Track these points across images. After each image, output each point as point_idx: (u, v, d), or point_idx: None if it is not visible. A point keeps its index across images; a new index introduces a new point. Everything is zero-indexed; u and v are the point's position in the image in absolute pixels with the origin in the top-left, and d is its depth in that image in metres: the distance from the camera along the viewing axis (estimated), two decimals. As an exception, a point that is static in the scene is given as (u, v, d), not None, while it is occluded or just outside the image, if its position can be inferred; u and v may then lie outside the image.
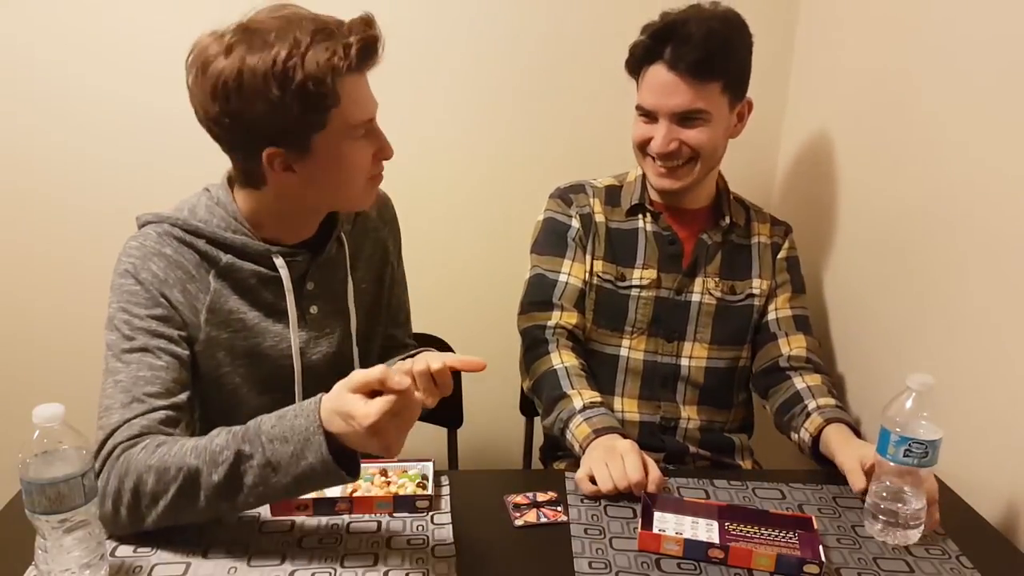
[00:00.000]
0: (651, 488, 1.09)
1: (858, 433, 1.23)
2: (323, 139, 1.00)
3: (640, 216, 1.38)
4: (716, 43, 1.22)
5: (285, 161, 1.02)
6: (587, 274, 1.37)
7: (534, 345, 1.36)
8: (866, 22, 1.51)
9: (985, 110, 1.16)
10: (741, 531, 1.03)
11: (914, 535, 1.02)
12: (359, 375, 0.84)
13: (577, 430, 1.21)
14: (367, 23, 0.99)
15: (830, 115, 1.64)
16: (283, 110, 0.95)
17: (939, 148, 1.27)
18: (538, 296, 1.38)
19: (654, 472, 1.11)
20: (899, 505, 1.02)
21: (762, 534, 1.02)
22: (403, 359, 1.11)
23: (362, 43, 0.97)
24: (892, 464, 1.01)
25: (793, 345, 1.37)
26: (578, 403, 1.24)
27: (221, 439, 0.90)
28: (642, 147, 1.32)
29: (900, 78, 1.38)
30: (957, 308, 1.22)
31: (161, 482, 0.90)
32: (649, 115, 1.28)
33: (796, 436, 1.29)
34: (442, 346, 1.54)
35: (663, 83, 1.24)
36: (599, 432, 1.17)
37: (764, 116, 1.80)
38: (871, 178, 1.47)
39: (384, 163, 1.10)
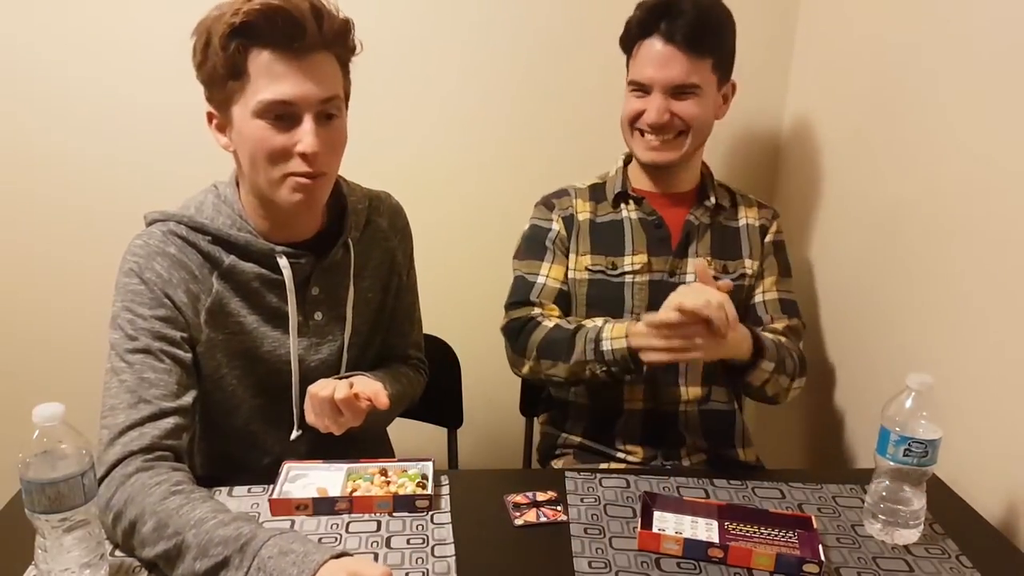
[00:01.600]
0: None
1: (760, 345, 1.23)
2: (238, 112, 1.00)
3: (623, 206, 1.41)
4: (710, 19, 1.28)
5: (218, 122, 1.04)
6: (571, 271, 1.40)
7: (519, 328, 1.35)
8: (867, 13, 1.51)
9: (987, 103, 1.16)
10: (741, 530, 1.03)
11: (914, 535, 1.02)
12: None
13: (613, 332, 1.23)
14: None
15: (830, 111, 1.64)
16: (204, 65, 0.98)
17: (941, 142, 1.27)
18: (517, 296, 1.40)
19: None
20: (899, 505, 1.02)
21: (762, 533, 1.02)
22: (337, 378, 1.09)
23: (260, 8, 0.93)
24: (892, 464, 1.01)
25: (777, 325, 1.39)
26: (598, 322, 1.27)
27: (226, 531, 0.86)
28: (633, 121, 1.34)
29: (902, 70, 1.38)
30: (957, 306, 1.22)
31: (155, 533, 0.89)
32: (643, 88, 1.31)
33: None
34: (442, 346, 1.55)
35: (659, 55, 1.28)
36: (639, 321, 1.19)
37: (765, 108, 1.81)
38: (872, 172, 1.47)
39: (310, 163, 1.01)
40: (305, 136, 0.99)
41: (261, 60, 0.96)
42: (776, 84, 1.80)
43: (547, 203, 1.44)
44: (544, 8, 1.73)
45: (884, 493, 1.03)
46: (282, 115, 0.99)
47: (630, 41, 1.33)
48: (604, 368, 1.23)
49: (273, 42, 0.96)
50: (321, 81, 0.99)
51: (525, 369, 1.34)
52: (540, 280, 1.40)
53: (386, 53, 1.64)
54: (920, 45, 1.33)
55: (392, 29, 1.70)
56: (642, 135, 1.34)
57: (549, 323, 1.32)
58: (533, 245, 1.43)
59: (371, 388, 1.04)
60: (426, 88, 1.76)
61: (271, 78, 0.97)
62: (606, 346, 1.22)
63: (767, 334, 1.32)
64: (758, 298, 1.42)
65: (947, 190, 1.25)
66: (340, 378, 1.09)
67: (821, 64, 1.68)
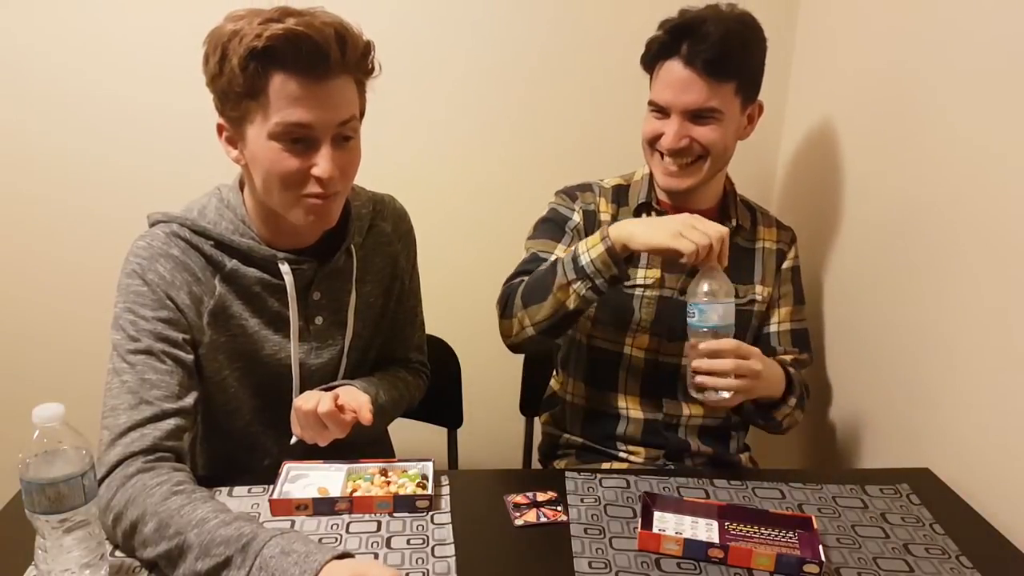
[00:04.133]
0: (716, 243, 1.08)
1: (790, 379, 1.29)
2: (253, 131, 0.99)
3: (645, 215, 1.39)
4: (733, 43, 1.22)
5: (229, 136, 1.03)
6: None
7: (507, 293, 1.29)
8: (866, 19, 1.51)
9: (987, 106, 1.16)
10: (741, 531, 1.03)
11: (725, 394, 1.12)
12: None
13: (590, 243, 1.15)
14: (309, 23, 0.93)
15: (830, 114, 1.63)
16: (219, 79, 0.96)
17: (941, 146, 1.27)
18: (526, 267, 1.32)
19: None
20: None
21: (762, 534, 1.02)
22: (324, 389, 1.09)
23: (284, 33, 0.92)
24: (690, 331, 1.12)
25: (786, 357, 1.39)
26: (572, 249, 1.18)
27: (228, 531, 0.86)
28: (652, 143, 1.31)
29: (901, 75, 1.38)
30: (957, 307, 1.22)
31: (156, 533, 0.89)
32: (661, 111, 1.28)
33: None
34: (443, 346, 1.55)
35: (678, 79, 1.24)
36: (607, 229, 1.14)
37: (765, 115, 1.81)
38: (872, 177, 1.47)
39: (325, 187, 1.00)
40: (322, 161, 0.99)
41: (281, 84, 0.95)
42: (776, 91, 1.80)
43: (570, 193, 1.41)
44: (551, 10, 1.73)
45: (695, 361, 1.12)
46: (299, 139, 0.98)
47: (651, 61, 1.29)
48: (589, 285, 1.15)
49: (295, 67, 0.94)
50: (340, 105, 0.99)
51: (514, 330, 1.26)
52: (554, 259, 1.33)
53: (390, 55, 1.65)
54: (920, 49, 1.32)
55: (397, 31, 1.70)
56: (661, 157, 1.30)
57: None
58: (551, 227, 1.38)
59: (356, 401, 1.03)
60: (430, 90, 1.76)
61: (290, 102, 0.95)
62: (584, 260, 1.15)
63: (789, 368, 1.32)
64: (772, 328, 1.41)
65: (948, 191, 1.25)
66: (327, 389, 1.09)
67: (821, 70, 1.68)
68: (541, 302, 1.20)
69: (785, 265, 1.41)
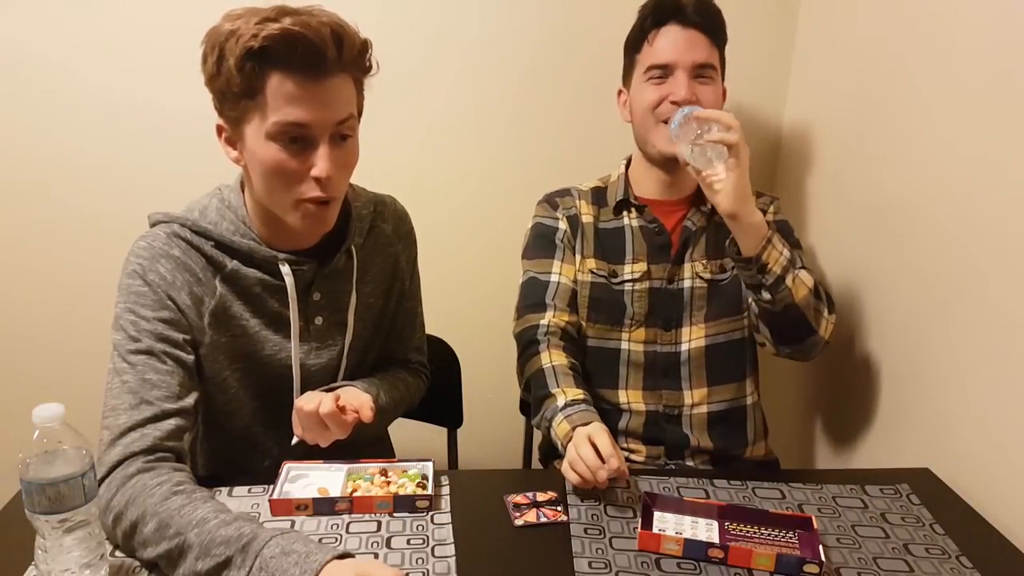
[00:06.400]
0: (613, 464, 1.06)
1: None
2: (251, 131, 0.99)
3: (625, 213, 1.41)
4: (717, 12, 1.34)
5: (228, 136, 1.03)
6: (577, 272, 1.40)
7: (527, 347, 1.37)
8: (865, 16, 1.51)
9: (982, 101, 1.16)
10: (741, 531, 1.03)
11: (727, 137, 1.17)
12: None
13: (559, 428, 1.20)
14: (305, 22, 0.93)
15: (830, 108, 1.64)
16: (216, 79, 0.96)
17: (939, 140, 1.27)
18: (531, 299, 1.39)
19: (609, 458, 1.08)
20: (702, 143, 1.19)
21: (762, 534, 1.02)
22: (325, 390, 1.09)
23: (280, 33, 0.91)
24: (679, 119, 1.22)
25: None
26: (561, 401, 1.23)
27: (228, 531, 0.86)
28: (654, 108, 1.33)
29: (900, 71, 1.38)
30: (958, 307, 1.22)
31: (157, 533, 0.89)
32: (663, 71, 1.31)
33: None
34: (443, 347, 1.55)
35: (681, 38, 1.30)
36: (577, 428, 1.16)
37: (765, 109, 1.82)
38: (871, 175, 1.47)
39: (324, 187, 1.00)
40: (320, 161, 0.98)
41: (278, 83, 0.95)
42: (777, 86, 1.80)
43: (551, 201, 1.45)
44: (545, 10, 1.73)
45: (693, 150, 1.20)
46: (296, 138, 0.98)
47: (643, 32, 1.33)
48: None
49: (291, 67, 0.94)
50: (337, 104, 0.99)
51: (521, 385, 1.39)
52: (554, 279, 1.39)
53: (388, 55, 1.65)
54: (919, 45, 1.33)
55: (394, 30, 1.70)
56: (666, 124, 1.30)
57: (544, 361, 1.31)
58: (543, 243, 1.42)
59: (357, 401, 1.04)
60: (429, 90, 1.76)
61: (287, 101, 0.95)
62: (552, 435, 1.22)
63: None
64: None
65: (946, 184, 1.25)
66: (328, 390, 1.09)
67: (821, 65, 1.68)
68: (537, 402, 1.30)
69: (767, 219, 1.38)
